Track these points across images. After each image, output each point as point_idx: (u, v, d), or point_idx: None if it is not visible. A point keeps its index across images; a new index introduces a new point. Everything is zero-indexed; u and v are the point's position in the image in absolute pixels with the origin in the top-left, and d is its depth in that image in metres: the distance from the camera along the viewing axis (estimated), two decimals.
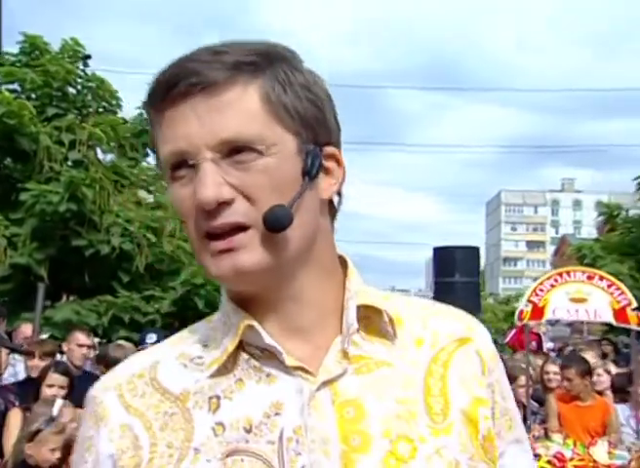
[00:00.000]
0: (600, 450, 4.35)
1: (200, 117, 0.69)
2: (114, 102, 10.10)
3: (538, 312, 4.96)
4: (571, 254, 12.29)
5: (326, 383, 0.73)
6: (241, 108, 0.70)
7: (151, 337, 4.39)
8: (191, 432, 0.72)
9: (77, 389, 3.61)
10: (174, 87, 0.70)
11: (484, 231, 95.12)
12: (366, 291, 0.79)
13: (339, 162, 0.77)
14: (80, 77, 9.77)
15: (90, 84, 9.84)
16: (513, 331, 8.26)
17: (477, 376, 0.78)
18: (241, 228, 0.70)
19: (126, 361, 0.83)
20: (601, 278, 4.86)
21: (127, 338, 6.86)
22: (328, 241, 0.78)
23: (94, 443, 0.76)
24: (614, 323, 4.76)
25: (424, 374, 0.77)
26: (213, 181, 0.69)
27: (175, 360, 0.78)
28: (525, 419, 4.77)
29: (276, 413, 0.72)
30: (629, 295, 4.74)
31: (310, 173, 0.73)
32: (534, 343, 7.46)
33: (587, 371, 4.91)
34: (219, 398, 0.74)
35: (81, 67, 9.81)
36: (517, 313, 5.16)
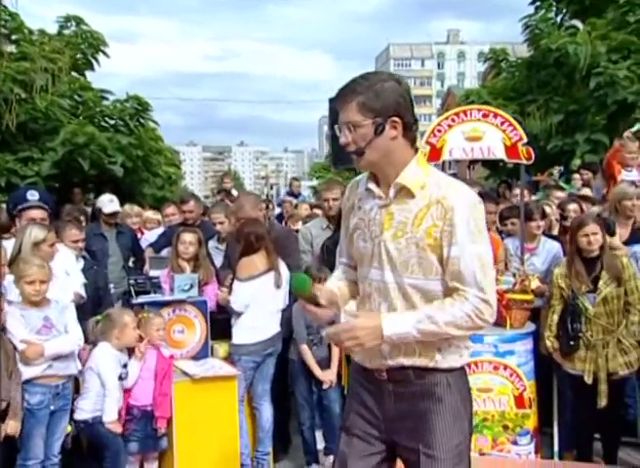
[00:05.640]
0: None
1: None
2: None
3: (435, 153, 4.98)
4: (459, 103, 12.41)
5: (386, 205, 2.14)
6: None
7: (33, 194, 4.11)
8: (354, 209, 2.29)
9: None
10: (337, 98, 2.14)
11: None
12: (408, 173, 2.11)
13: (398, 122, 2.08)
14: None
15: None
16: None
17: (440, 216, 2.05)
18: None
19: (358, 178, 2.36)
20: (495, 115, 4.91)
21: (4, 203, 6.33)
22: (399, 152, 2.11)
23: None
24: (506, 159, 4.89)
25: (418, 210, 2.08)
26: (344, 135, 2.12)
27: (364, 180, 2.23)
28: None
29: (371, 209, 2.18)
30: (520, 131, 4.85)
31: (376, 132, 2.06)
32: None
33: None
34: (360, 199, 2.25)
35: None
36: None
